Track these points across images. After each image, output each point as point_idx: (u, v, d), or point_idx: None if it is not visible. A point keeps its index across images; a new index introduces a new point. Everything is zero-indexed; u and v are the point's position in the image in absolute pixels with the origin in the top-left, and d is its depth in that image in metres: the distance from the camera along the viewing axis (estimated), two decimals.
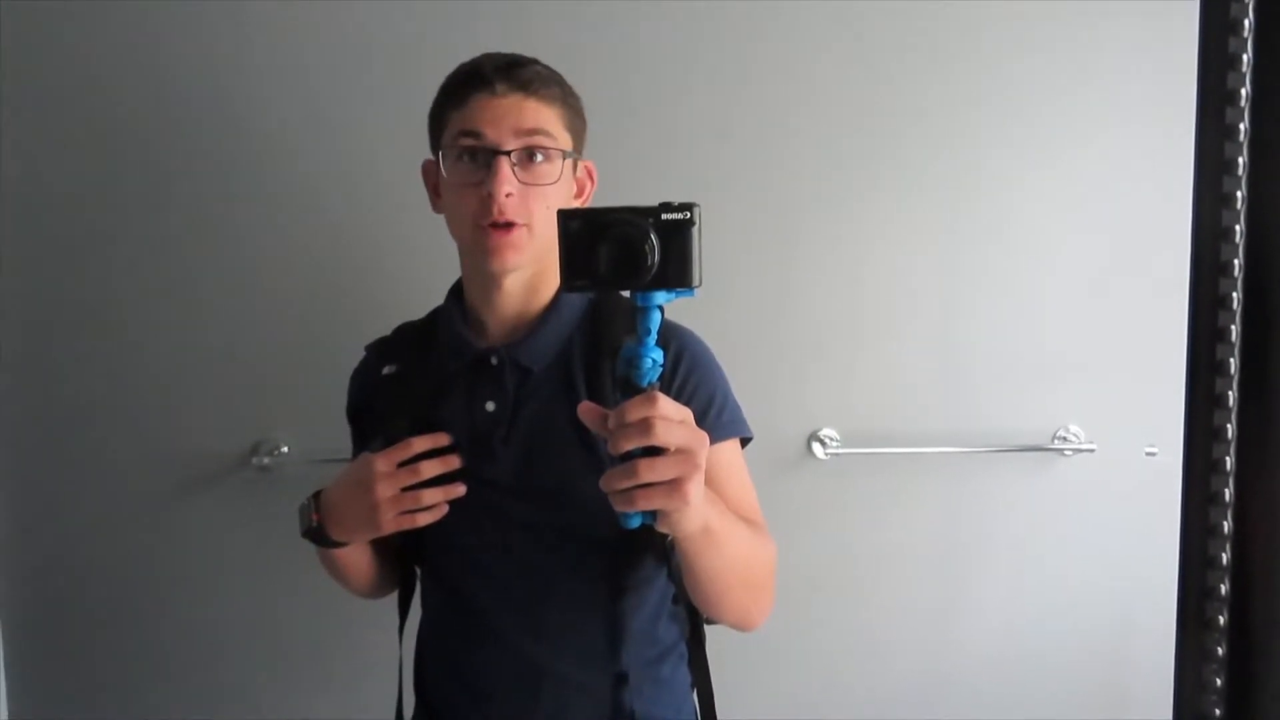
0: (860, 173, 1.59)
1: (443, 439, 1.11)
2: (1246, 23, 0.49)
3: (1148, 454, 1.59)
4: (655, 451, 0.83)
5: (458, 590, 1.17)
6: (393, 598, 1.27)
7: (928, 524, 1.65)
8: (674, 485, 0.83)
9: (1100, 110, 1.57)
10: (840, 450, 1.61)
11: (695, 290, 0.81)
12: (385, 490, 1.08)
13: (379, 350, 1.24)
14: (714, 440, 1.04)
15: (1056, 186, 1.59)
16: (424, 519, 1.10)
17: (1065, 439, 1.61)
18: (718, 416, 1.11)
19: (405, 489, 1.09)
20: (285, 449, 1.62)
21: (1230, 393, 0.51)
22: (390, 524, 1.09)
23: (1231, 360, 0.51)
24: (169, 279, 1.62)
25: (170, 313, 1.62)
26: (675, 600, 1.17)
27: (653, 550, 1.10)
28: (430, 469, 1.09)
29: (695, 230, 0.80)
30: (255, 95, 1.58)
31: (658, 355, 0.83)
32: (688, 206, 0.80)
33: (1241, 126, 0.51)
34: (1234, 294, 0.51)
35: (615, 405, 0.84)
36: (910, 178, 1.59)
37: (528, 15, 1.53)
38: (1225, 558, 0.51)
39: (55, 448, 1.65)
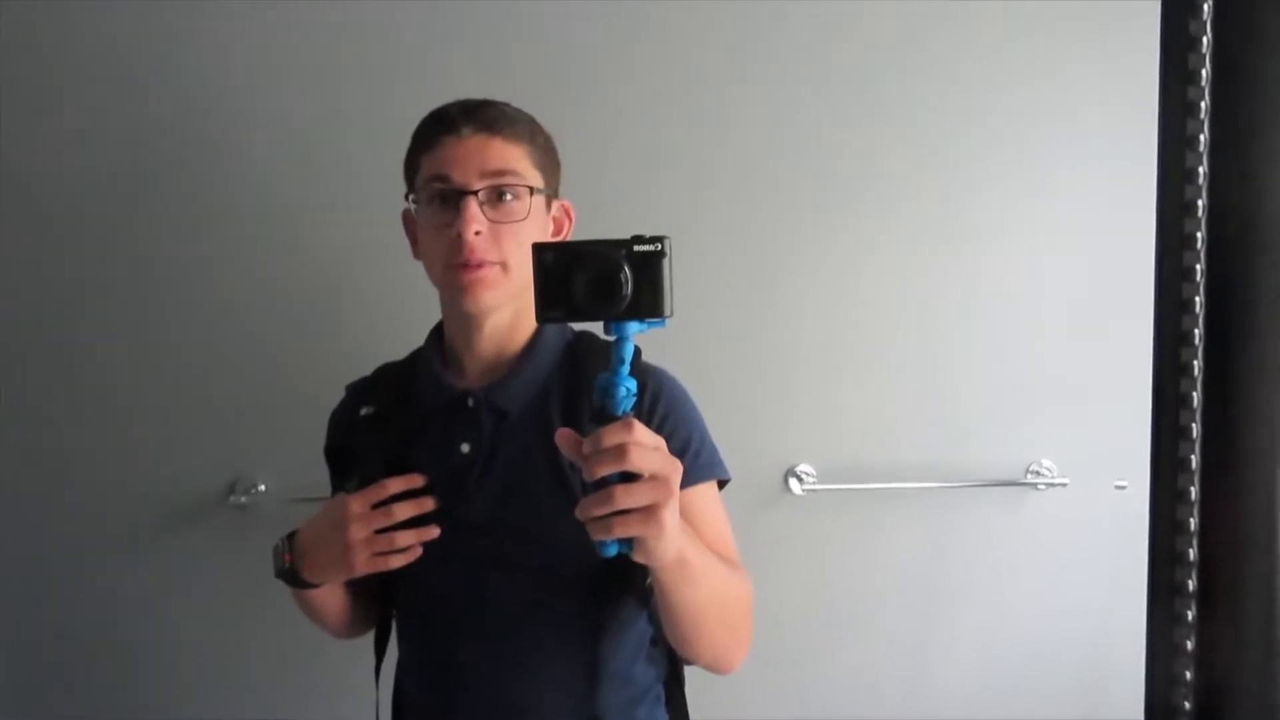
0: (837, 209, 1.61)
1: (417, 480, 1.11)
2: (1205, 40, 0.51)
3: (1117, 488, 1.61)
4: (630, 478, 0.84)
5: (433, 631, 1.17)
6: (370, 638, 1.26)
7: (904, 559, 1.66)
8: (649, 511, 0.84)
9: (1074, 150, 1.60)
10: (817, 486, 1.62)
11: (667, 321, 0.83)
12: (359, 532, 1.08)
13: (357, 390, 1.25)
14: (691, 482, 1.05)
15: (1032, 224, 1.61)
16: (397, 561, 1.10)
17: (1038, 473, 1.63)
18: (695, 458, 1.11)
19: (379, 531, 1.09)
20: (263, 487, 1.62)
21: (1194, 425, 0.53)
22: (363, 565, 1.09)
23: (1194, 394, 0.53)
24: (144, 315, 1.62)
25: (146, 349, 1.63)
26: (654, 642, 1.17)
27: (634, 592, 1.11)
28: (404, 511, 1.09)
29: (666, 261, 0.82)
30: (241, 133, 1.60)
31: (632, 385, 0.85)
32: (659, 239, 0.82)
33: (1201, 170, 0.53)
34: (1196, 330, 0.53)
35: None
36: (886, 215, 1.61)
37: (507, 54, 1.57)
38: (1191, 584, 0.52)
39: (31, 486, 1.64)
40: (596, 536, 0.86)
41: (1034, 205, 1.61)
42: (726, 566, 1.05)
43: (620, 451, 0.82)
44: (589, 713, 1.12)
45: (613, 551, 0.87)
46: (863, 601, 1.66)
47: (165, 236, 1.61)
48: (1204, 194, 0.52)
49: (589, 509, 0.84)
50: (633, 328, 0.83)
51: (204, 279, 1.62)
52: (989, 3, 1.58)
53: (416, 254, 1.18)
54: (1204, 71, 0.50)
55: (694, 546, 0.95)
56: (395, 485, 1.10)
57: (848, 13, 1.59)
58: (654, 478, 0.84)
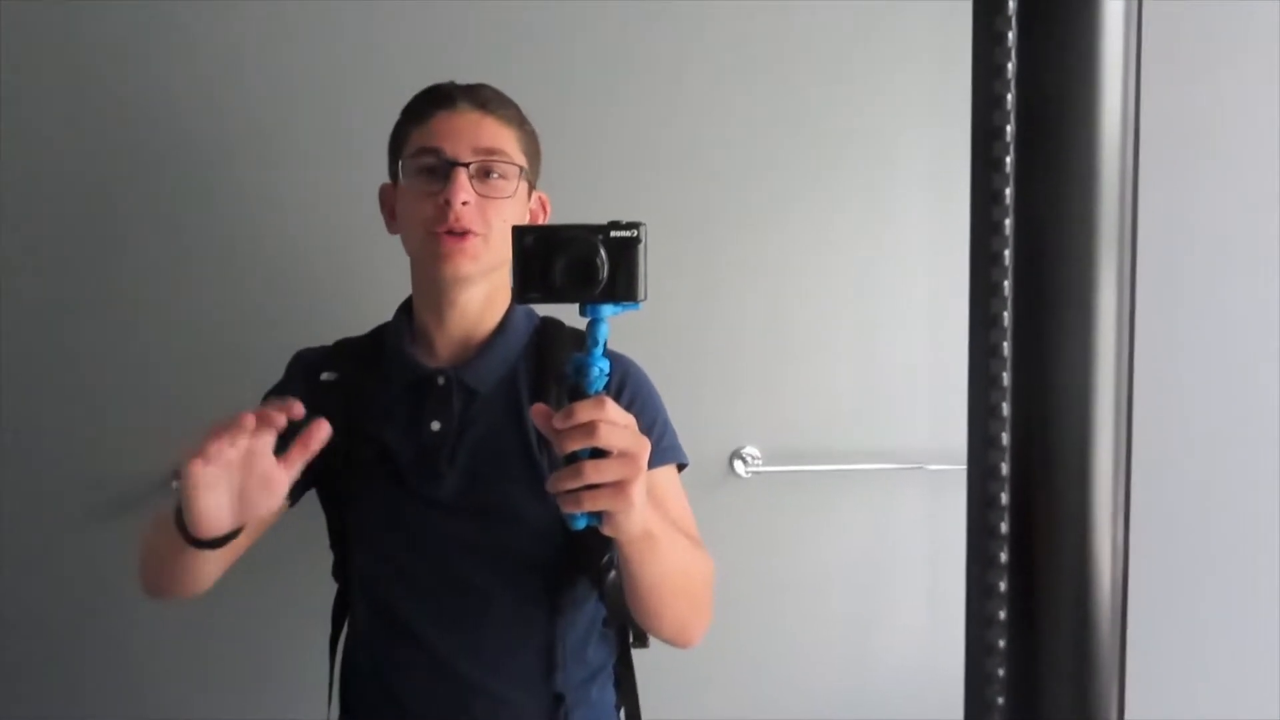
0: (782, 195, 1.65)
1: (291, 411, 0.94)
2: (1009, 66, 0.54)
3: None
4: (600, 454, 0.87)
5: (391, 609, 1.18)
6: (325, 612, 1.26)
7: (848, 539, 1.70)
8: (618, 487, 0.87)
9: None
10: (762, 468, 1.66)
11: (641, 304, 0.87)
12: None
13: (317, 355, 1.24)
14: (654, 465, 1.07)
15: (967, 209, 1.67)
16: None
17: None
18: (658, 442, 1.14)
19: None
20: None
21: (1004, 404, 0.55)
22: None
23: (1004, 374, 0.55)
24: (88, 290, 1.60)
25: (88, 327, 1.60)
26: (606, 623, 1.21)
27: (588, 571, 1.14)
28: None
29: (642, 247, 0.86)
30: (206, 116, 1.59)
31: (605, 365, 0.88)
32: (635, 225, 0.86)
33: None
34: (1005, 312, 0.55)
35: None
36: (831, 201, 1.65)
37: (460, 50, 1.57)
38: (1003, 585, 0.55)
39: None
40: (566, 509, 0.89)
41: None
42: (689, 542, 1.09)
43: (591, 428, 0.86)
44: (550, 691, 1.15)
45: (582, 524, 0.91)
46: (808, 581, 1.70)
47: (113, 226, 1.59)
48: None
49: (560, 482, 0.88)
50: (607, 310, 0.87)
51: (150, 264, 1.60)
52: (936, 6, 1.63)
53: (391, 229, 1.19)
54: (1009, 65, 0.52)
55: (660, 521, 0.99)
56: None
57: (793, 11, 1.62)
58: (623, 454, 0.88)
